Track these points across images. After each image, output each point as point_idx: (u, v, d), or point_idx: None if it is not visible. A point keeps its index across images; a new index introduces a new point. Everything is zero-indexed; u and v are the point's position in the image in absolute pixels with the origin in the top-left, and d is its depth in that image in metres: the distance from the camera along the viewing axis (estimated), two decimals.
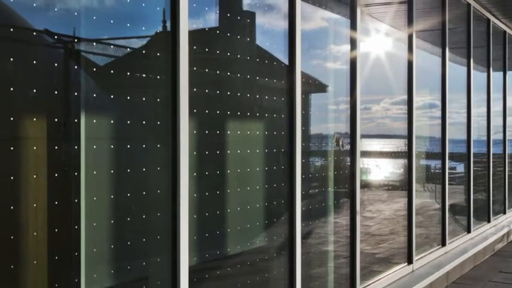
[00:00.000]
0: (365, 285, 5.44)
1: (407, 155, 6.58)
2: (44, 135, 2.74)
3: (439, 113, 7.64)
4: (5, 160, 2.56)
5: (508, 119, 10.80)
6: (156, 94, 3.27)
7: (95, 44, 2.97)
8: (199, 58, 3.50)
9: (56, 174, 2.77)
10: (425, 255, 6.88)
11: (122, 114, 3.12)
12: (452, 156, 7.97)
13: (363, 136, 5.43)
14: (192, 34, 3.39)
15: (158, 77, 3.28)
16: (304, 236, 4.51)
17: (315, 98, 4.85)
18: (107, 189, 3.05)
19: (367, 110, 5.64)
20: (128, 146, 3.15)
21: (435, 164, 7.60)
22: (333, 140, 5.16)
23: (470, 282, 7.07)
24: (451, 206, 7.84)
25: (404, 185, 6.58)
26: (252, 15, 4.06)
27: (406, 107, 6.56)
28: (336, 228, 5.19)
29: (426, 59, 7.26)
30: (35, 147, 2.70)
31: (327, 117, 5.10)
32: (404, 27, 6.51)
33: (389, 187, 6.55)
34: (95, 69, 3.00)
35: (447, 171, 7.72)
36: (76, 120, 2.86)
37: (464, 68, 8.59)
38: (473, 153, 8.80)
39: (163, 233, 3.30)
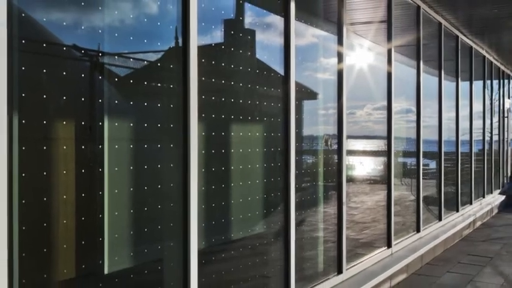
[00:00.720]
0: (350, 266, 5.43)
1: (387, 153, 6.58)
2: (72, 137, 2.73)
3: (414, 117, 7.63)
4: (39, 158, 2.55)
5: (474, 122, 10.81)
6: (169, 101, 3.26)
7: (116, 57, 2.96)
8: (207, 70, 3.49)
9: (83, 170, 2.76)
10: (402, 240, 6.87)
11: (140, 118, 3.11)
12: (426, 155, 7.96)
13: (349, 137, 5.41)
14: (201, 49, 3.38)
15: (171, 86, 3.27)
16: (298, 224, 4.50)
17: (306, 104, 4.84)
18: (127, 183, 3.04)
19: (352, 115, 5.63)
20: (145, 146, 3.14)
21: (411, 161, 7.59)
22: (322, 140, 5.14)
23: (441, 263, 7.07)
24: (425, 198, 7.83)
25: (384, 180, 6.57)
26: (252, 33, 4.05)
27: (385, 112, 6.55)
28: (325, 217, 5.18)
29: (403, 70, 7.25)
30: (64, 147, 2.69)
31: (317, 120, 5.09)
32: (384, 42, 6.50)
33: (371, 181, 6.54)
34: (116, 79, 2.98)
35: (421, 167, 7.71)
36: (100, 124, 2.85)
37: (436, 78, 8.58)
38: (444, 152, 8.79)
39: (175, 221, 3.29)
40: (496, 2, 7.66)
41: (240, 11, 3.96)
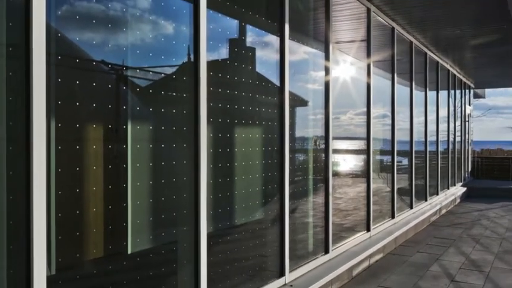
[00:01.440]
0: (336, 247, 5.44)
1: (366, 152, 6.58)
2: (100, 138, 2.73)
3: (389, 121, 7.64)
4: (72, 156, 2.55)
5: (440, 125, 10.82)
6: (183, 107, 3.26)
7: (138, 70, 2.96)
8: (214, 81, 3.49)
9: (110, 166, 2.76)
10: (379, 225, 6.88)
11: (158, 122, 3.11)
12: (399, 153, 7.96)
13: (334, 138, 5.42)
14: (209, 64, 3.38)
15: (184, 95, 3.27)
16: (291, 211, 4.50)
17: (299, 110, 4.84)
18: (147, 177, 3.04)
19: (337, 119, 5.62)
20: (162, 145, 3.14)
21: (387, 158, 7.59)
22: (312, 141, 5.14)
23: (412, 244, 7.07)
24: (399, 189, 7.84)
25: (364, 174, 6.57)
26: (253, 50, 4.05)
27: (365, 116, 6.55)
28: (314, 206, 5.18)
29: (380, 81, 7.25)
30: (94, 146, 2.70)
31: (307, 124, 5.09)
32: (364, 58, 6.50)
33: (353, 175, 6.53)
34: (138, 89, 2.99)
35: (395, 164, 7.72)
36: (124, 127, 2.85)
37: (408, 88, 8.58)
38: (415, 151, 8.79)
39: (188, 208, 3.29)
40: (457, 25, 7.67)
41: (242, 31, 3.97)
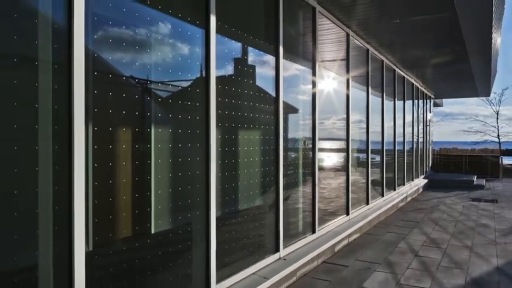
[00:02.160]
0: (321, 228, 5.43)
1: (346, 150, 6.58)
2: (129, 139, 2.73)
3: (365, 125, 7.62)
4: (106, 154, 2.55)
5: (406, 129, 10.79)
6: (196, 114, 3.26)
7: (159, 84, 2.96)
8: (222, 93, 3.49)
9: (136, 162, 2.76)
10: (357, 210, 6.87)
11: (176, 126, 3.10)
12: (373, 151, 7.95)
13: (320, 139, 5.41)
14: (218, 78, 3.38)
15: (197, 104, 3.27)
16: (285, 199, 4.50)
17: (291, 116, 4.83)
18: (167, 171, 3.04)
19: (322, 124, 5.60)
20: (180, 145, 3.14)
21: (362, 155, 7.58)
22: (301, 141, 5.13)
23: (384, 226, 7.07)
24: (372, 181, 7.83)
25: (344, 168, 6.56)
26: (253, 67, 4.05)
27: (345, 121, 6.54)
28: (303, 194, 5.17)
29: (357, 93, 7.23)
30: (124, 146, 2.69)
31: (298, 128, 5.07)
32: (344, 74, 6.50)
33: (335, 169, 6.52)
34: (159, 99, 2.98)
35: (370, 160, 7.71)
36: (148, 130, 2.85)
37: (380, 99, 8.58)
38: (385, 149, 8.79)
39: (200, 197, 3.29)
40: (419, 47, 7.66)
41: (244, 52, 3.96)
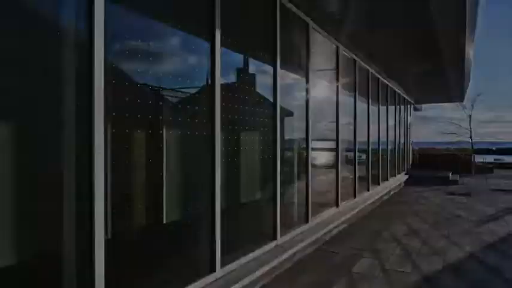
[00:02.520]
0: (314, 218, 5.43)
1: (336, 149, 6.57)
2: (143, 139, 2.73)
3: (352, 127, 7.63)
4: (123, 151, 2.55)
5: (389, 131, 10.80)
6: (203, 117, 3.27)
7: (171, 90, 2.96)
8: (226, 98, 3.49)
9: (150, 160, 2.76)
10: (345, 202, 6.86)
11: (185, 128, 3.11)
12: (359, 150, 7.95)
13: (313, 139, 5.41)
14: (222, 86, 3.39)
15: (204, 108, 3.27)
16: (281, 193, 4.50)
17: (287, 119, 4.82)
18: (178, 167, 3.05)
19: (314, 126, 5.60)
20: (188, 145, 3.14)
21: (350, 154, 7.58)
22: (296, 141, 5.13)
23: (369, 217, 7.06)
24: (359, 177, 7.82)
25: (334, 165, 6.56)
26: (254, 76, 4.05)
27: (335, 124, 6.55)
28: (298, 188, 5.17)
29: (346, 99, 7.23)
30: (139, 145, 2.69)
31: (293, 129, 5.08)
32: (334, 82, 6.50)
33: (326, 167, 6.51)
34: (170, 104, 2.99)
35: (357, 158, 7.71)
36: (160, 132, 2.85)
37: (366, 105, 8.58)
38: (371, 149, 8.79)
39: (206, 191, 3.29)
40: (400, 59, 7.67)
41: (246, 62, 3.97)
